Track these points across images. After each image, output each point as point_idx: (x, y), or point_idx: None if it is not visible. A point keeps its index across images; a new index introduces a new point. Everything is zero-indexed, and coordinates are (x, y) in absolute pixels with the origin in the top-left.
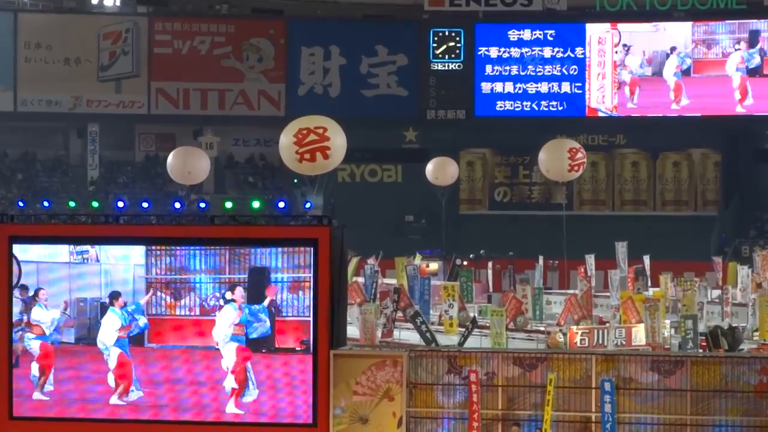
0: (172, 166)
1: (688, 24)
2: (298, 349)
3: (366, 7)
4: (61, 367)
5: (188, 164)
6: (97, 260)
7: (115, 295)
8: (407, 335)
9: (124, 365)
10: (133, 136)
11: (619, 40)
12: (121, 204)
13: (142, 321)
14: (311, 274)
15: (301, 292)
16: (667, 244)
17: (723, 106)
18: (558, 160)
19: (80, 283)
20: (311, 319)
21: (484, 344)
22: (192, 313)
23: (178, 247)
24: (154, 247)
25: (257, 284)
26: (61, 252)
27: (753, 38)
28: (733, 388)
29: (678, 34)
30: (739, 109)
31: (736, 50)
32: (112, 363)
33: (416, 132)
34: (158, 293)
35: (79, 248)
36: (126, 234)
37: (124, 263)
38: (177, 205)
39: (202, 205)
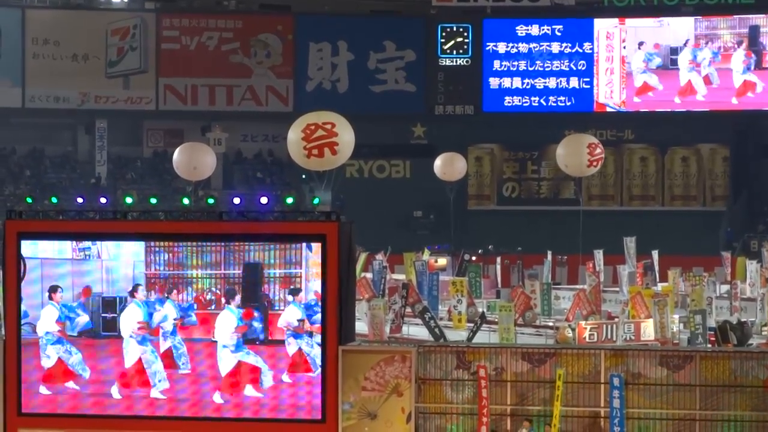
0: (178, 162)
1: (691, 19)
2: None
3: (374, 3)
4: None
5: (194, 160)
6: (99, 257)
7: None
8: (416, 331)
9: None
10: (141, 132)
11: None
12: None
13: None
14: (302, 270)
15: (292, 287)
16: (676, 240)
17: (730, 101)
18: (577, 155)
19: (82, 278)
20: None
21: (492, 339)
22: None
23: (176, 244)
24: (153, 244)
25: (251, 279)
26: (65, 248)
27: (753, 33)
28: (742, 383)
29: (681, 29)
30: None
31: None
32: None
33: (424, 127)
34: (158, 287)
35: (82, 245)
36: (134, 230)
37: (125, 259)
38: (185, 201)
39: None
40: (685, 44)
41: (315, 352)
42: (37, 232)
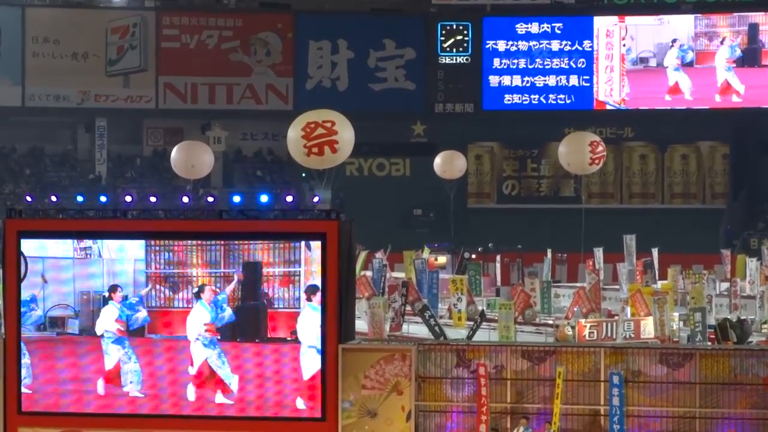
0: (176, 160)
1: (691, 17)
2: (288, 339)
3: (373, 1)
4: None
5: (191, 158)
6: (100, 256)
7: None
8: (416, 329)
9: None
10: (141, 131)
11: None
12: (129, 198)
13: (142, 314)
14: (301, 268)
15: (291, 285)
16: (676, 237)
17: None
18: (579, 153)
19: (84, 276)
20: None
21: (492, 338)
22: (190, 305)
23: (176, 243)
24: (153, 243)
25: (251, 278)
26: (66, 248)
27: (752, 31)
28: (742, 380)
29: (681, 27)
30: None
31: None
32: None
33: (424, 126)
34: (157, 286)
35: (83, 244)
36: (134, 229)
37: (125, 258)
38: (185, 199)
39: (210, 199)
40: (722, 42)
41: None
42: (37, 231)
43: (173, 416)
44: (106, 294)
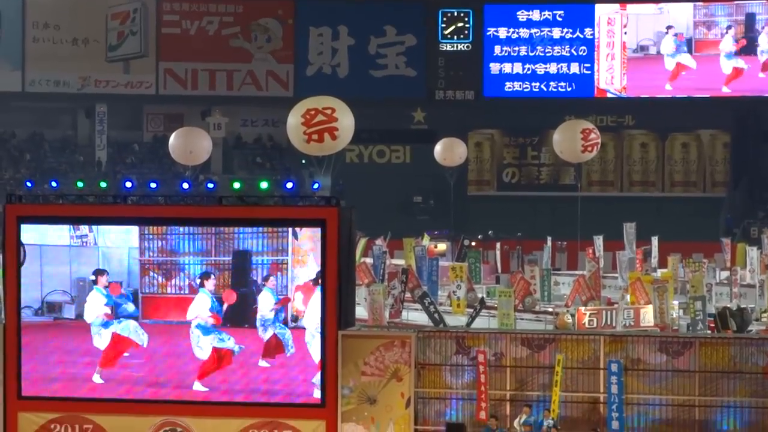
0: (174, 146)
1: (690, 5)
2: None
3: None
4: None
5: (189, 144)
6: (95, 243)
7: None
8: (415, 316)
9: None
10: (141, 117)
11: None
12: (129, 184)
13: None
14: (288, 257)
15: (280, 273)
16: (676, 226)
17: (731, 87)
18: (572, 140)
19: (79, 264)
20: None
21: (492, 325)
22: (181, 292)
23: (169, 232)
24: (147, 231)
25: (240, 266)
26: (62, 235)
27: (749, 20)
28: (741, 369)
29: (680, 15)
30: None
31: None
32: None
33: (425, 113)
34: (151, 273)
35: (79, 232)
36: (134, 215)
37: (120, 246)
38: (185, 185)
39: (210, 185)
40: (762, 29)
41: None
42: (37, 216)
43: (174, 402)
44: (198, 281)
